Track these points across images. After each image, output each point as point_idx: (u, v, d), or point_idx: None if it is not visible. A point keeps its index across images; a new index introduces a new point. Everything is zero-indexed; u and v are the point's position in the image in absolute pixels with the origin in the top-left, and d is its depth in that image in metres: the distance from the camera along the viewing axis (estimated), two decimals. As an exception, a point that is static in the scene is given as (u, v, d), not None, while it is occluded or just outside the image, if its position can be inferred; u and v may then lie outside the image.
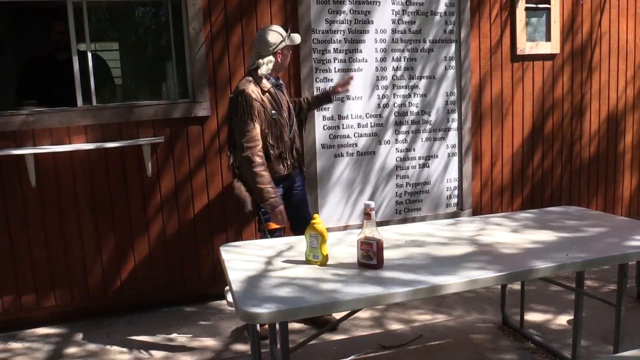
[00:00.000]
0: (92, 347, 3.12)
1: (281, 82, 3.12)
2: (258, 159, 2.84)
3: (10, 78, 3.97)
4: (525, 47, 4.21)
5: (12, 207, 3.25)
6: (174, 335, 3.23)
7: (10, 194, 3.24)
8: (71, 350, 3.09)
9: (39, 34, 3.81)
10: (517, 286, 3.34)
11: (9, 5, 3.75)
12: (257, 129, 2.87)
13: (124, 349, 3.07)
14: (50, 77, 3.60)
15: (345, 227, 3.75)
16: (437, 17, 4.01)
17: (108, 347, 3.11)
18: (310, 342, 2.50)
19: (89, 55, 3.38)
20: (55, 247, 3.35)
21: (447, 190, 4.19)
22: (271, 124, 2.96)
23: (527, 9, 4.19)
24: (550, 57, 4.33)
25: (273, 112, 2.96)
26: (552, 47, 4.30)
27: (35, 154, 3.18)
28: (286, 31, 2.98)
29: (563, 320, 3.26)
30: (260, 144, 2.87)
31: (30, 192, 3.27)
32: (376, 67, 3.89)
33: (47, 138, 3.27)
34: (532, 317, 3.28)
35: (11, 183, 3.24)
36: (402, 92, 3.98)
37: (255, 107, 2.86)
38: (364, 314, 3.38)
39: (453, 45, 4.08)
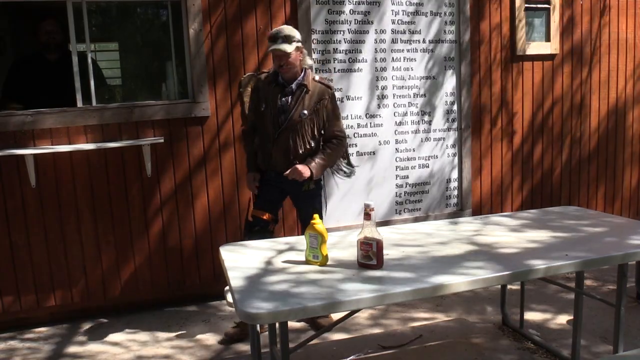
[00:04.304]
0: (92, 347, 3.12)
1: (293, 87, 2.97)
2: (242, 135, 3.31)
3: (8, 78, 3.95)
4: (524, 47, 4.21)
5: (12, 207, 3.25)
6: (174, 335, 3.23)
7: (10, 195, 3.24)
8: (71, 350, 3.09)
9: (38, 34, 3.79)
10: (516, 286, 3.34)
11: (10, 5, 3.76)
12: (249, 111, 3.18)
13: (124, 350, 3.07)
14: (42, 77, 3.57)
15: (345, 227, 3.75)
16: (437, 18, 4.01)
17: (108, 347, 3.11)
18: (310, 342, 2.50)
19: (89, 55, 3.38)
20: (55, 247, 3.35)
21: (447, 190, 4.19)
22: (259, 116, 3.06)
23: (526, 9, 4.19)
24: (550, 57, 4.33)
25: (263, 105, 3.02)
26: (551, 47, 4.30)
27: (35, 154, 3.18)
28: (275, 39, 2.88)
29: (563, 320, 3.26)
30: (246, 126, 3.23)
31: (30, 193, 3.27)
32: (376, 68, 3.89)
33: (47, 138, 3.27)
34: (531, 317, 3.28)
35: (11, 183, 3.24)
36: (401, 92, 3.98)
37: (252, 94, 3.14)
38: (363, 314, 3.38)
39: (453, 46, 4.08)
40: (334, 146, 3.06)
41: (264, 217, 3.07)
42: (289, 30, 2.93)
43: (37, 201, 3.29)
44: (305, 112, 2.96)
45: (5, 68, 3.73)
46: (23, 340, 3.24)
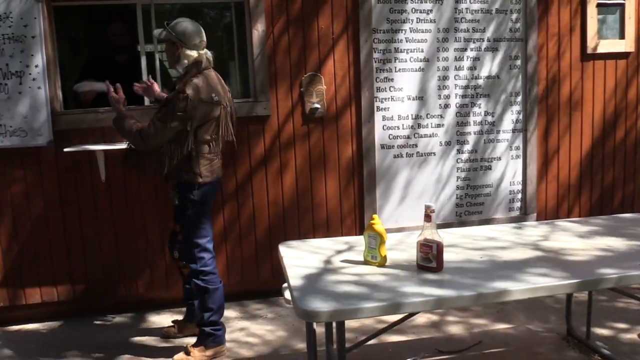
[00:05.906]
0: (152, 338, 3.23)
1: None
2: None
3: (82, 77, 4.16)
4: (596, 45, 4.02)
5: (84, 200, 3.42)
6: (232, 329, 3.29)
7: (82, 188, 3.41)
8: (135, 338, 3.22)
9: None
10: (583, 295, 3.19)
11: (83, 8, 3.96)
12: None
13: (182, 342, 3.16)
14: (111, 77, 3.74)
15: (404, 229, 3.70)
16: (502, 15, 3.89)
17: (167, 339, 3.21)
18: (366, 343, 2.49)
19: (156, 56, 3.51)
20: (122, 240, 3.50)
21: (510, 194, 4.06)
22: None
23: (598, 5, 3.99)
24: (624, 55, 4.11)
25: None
26: (626, 45, 4.08)
27: (105, 150, 3.33)
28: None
29: (634, 334, 3.09)
30: None
31: (101, 187, 3.42)
32: (438, 67, 3.82)
33: (117, 135, 3.41)
34: (599, 329, 3.12)
35: (83, 177, 3.41)
36: (464, 92, 3.89)
37: None
38: (421, 316, 3.33)
39: (519, 44, 3.94)
40: (141, 126, 2.80)
41: (170, 227, 3.09)
42: (178, 21, 2.86)
43: (107, 195, 3.44)
44: None
45: (79, 68, 3.94)
46: (92, 326, 3.40)
